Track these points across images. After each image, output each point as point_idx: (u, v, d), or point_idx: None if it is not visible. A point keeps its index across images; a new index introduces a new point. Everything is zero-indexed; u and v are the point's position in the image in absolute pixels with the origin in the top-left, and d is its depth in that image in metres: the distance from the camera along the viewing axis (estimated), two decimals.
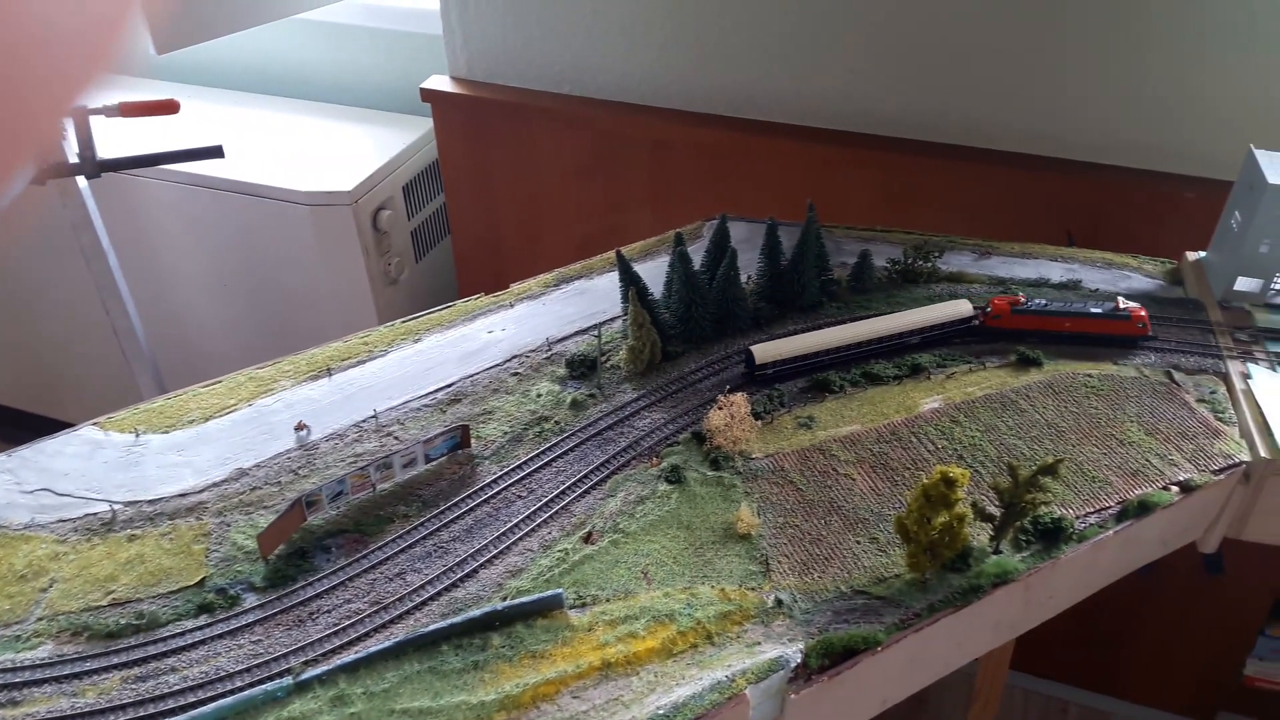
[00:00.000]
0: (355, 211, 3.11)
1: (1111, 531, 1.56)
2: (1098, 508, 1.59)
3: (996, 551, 1.53)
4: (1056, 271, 2.10)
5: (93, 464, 1.72)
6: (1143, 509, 1.58)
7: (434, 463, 1.69)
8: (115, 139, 2.78)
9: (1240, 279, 1.96)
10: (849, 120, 2.76)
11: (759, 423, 1.76)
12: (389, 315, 3.07)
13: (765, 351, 1.88)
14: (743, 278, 1.99)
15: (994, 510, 1.51)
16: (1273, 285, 1.96)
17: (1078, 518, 1.57)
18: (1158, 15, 2.39)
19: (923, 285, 2.03)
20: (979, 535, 1.54)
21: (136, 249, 3.33)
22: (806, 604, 1.47)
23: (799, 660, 1.38)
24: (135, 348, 3.21)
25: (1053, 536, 1.54)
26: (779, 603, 1.47)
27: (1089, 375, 1.82)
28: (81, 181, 2.88)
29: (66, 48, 0.45)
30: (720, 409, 1.73)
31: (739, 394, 1.75)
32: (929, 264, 2.02)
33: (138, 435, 1.78)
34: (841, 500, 1.63)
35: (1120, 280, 2.09)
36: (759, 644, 1.41)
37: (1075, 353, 1.88)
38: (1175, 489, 1.62)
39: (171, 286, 3.49)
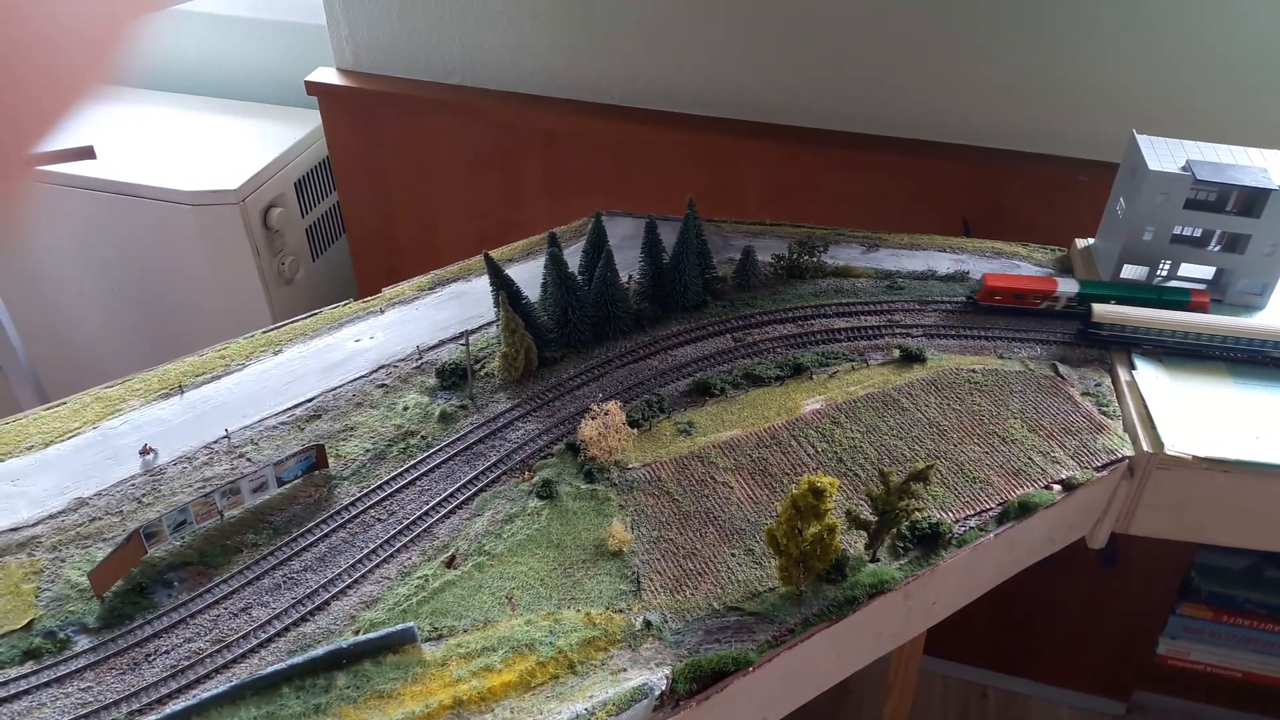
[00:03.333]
0: (243, 210, 2.96)
1: (992, 534, 1.52)
2: (978, 510, 1.55)
3: (873, 560, 1.47)
4: (945, 263, 2.05)
5: None
6: (1024, 510, 1.54)
7: (287, 486, 1.59)
8: None
9: (1126, 266, 1.93)
10: (742, 109, 2.70)
11: (636, 431, 1.69)
12: (284, 316, 2.94)
13: (1106, 312, 1.81)
14: (625, 277, 1.91)
15: (869, 518, 1.45)
16: (1158, 273, 1.93)
17: (957, 521, 1.52)
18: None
19: (809, 281, 1.97)
20: (856, 543, 1.48)
21: (10, 255, 3.15)
22: (677, 624, 1.40)
23: (665, 686, 1.32)
24: (12, 360, 3.04)
25: (931, 542, 1.49)
26: (648, 624, 1.40)
27: (973, 370, 1.78)
28: None
29: (70, 51, 0.47)
30: (593, 418, 1.65)
31: (612, 402, 1.67)
32: (814, 259, 1.96)
33: None
34: (718, 510, 1.56)
35: (1010, 270, 2.05)
36: (624, 670, 1.34)
37: (959, 346, 1.84)
38: (1058, 487, 1.58)
39: (53, 294, 3.31)
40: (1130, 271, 1.94)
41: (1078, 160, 2.51)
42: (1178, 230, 1.88)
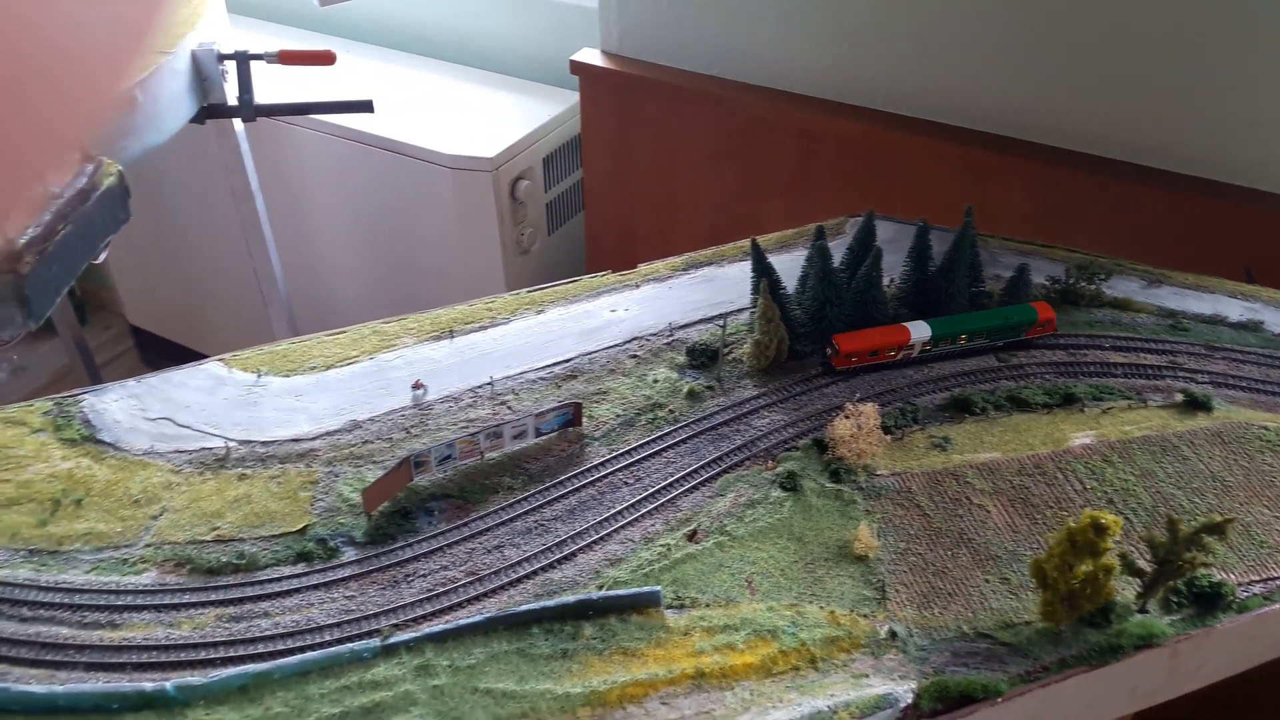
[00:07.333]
0: (495, 179, 3.10)
1: (1279, 605, 1.39)
2: (1264, 576, 1.42)
3: (1143, 611, 1.38)
4: (1235, 309, 1.90)
5: (214, 399, 1.74)
6: None
7: (544, 437, 1.64)
8: (271, 86, 2.84)
9: None
10: (1008, 125, 2.59)
11: (888, 437, 1.65)
12: (517, 284, 3.05)
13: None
14: (885, 281, 1.87)
15: (1145, 565, 1.36)
16: None
17: (1240, 585, 1.41)
18: None
19: (1083, 309, 1.87)
20: (1124, 590, 1.39)
21: (282, 195, 3.41)
22: (923, 640, 1.36)
23: (909, 701, 1.28)
24: (273, 290, 3.29)
25: (1210, 602, 1.38)
26: (893, 635, 1.36)
27: (1264, 428, 1.64)
28: (238, 124, 2.95)
29: (101, 44, 0.51)
30: (847, 417, 1.62)
31: (869, 404, 1.64)
32: (1093, 286, 1.85)
33: (259, 375, 1.79)
34: (972, 532, 1.51)
35: None
36: (866, 676, 1.31)
37: (1250, 400, 1.70)
38: None
39: (312, 234, 3.57)
40: None
41: None
42: None
